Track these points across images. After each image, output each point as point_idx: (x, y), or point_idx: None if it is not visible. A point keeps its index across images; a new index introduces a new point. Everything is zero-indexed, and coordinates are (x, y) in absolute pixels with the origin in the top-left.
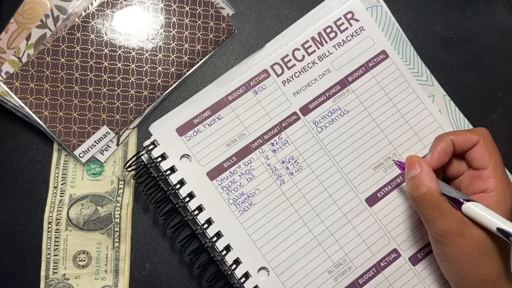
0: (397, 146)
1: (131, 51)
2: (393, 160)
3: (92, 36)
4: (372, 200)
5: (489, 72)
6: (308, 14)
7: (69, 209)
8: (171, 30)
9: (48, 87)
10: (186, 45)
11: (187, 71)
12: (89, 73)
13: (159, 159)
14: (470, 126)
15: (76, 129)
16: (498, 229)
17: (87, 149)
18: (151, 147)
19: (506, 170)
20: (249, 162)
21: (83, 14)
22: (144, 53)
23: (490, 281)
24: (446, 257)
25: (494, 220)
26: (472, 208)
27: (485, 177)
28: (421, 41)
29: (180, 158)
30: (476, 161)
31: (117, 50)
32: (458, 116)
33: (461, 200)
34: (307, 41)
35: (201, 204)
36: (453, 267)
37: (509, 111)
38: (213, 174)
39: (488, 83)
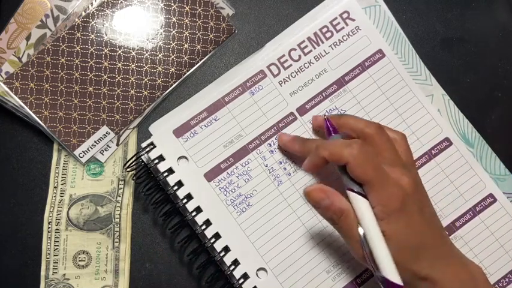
0: None
1: (131, 51)
2: (325, 116)
3: (92, 36)
4: None
5: (489, 72)
6: (308, 14)
7: (69, 209)
8: (171, 30)
9: (48, 87)
10: (186, 45)
11: (187, 71)
12: (89, 73)
13: (157, 160)
14: (470, 126)
15: (76, 129)
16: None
17: (87, 149)
18: (149, 148)
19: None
20: (247, 163)
21: (83, 14)
22: (144, 53)
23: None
24: None
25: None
26: (353, 200)
27: (366, 192)
28: (421, 40)
29: (178, 160)
30: (354, 177)
31: (117, 50)
32: (457, 116)
33: (354, 190)
34: (303, 41)
35: (199, 206)
36: None
37: (509, 111)
38: (210, 175)
39: (488, 83)
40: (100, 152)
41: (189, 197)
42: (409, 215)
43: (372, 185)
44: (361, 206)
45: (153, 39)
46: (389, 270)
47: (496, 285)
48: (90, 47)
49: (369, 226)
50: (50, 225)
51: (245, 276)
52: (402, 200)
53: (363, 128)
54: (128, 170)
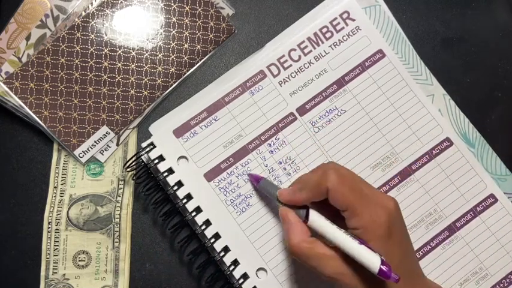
0: (394, 145)
1: (131, 51)
2: (247, 173)
3: (92, 36)
4: None
5: (489, 72)
6: (308, 14)
7: (69, 209)
8: (171, 30)
9: (48, 87)
10: (186, 45)
11: (187, 71)
12: (88, 73)
13: (157, 160)
14: (471, 126)
15: (76, 129)
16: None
17: (87, 149)
18: (149, 148)
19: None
20: (246, 163)
21: (83, 14)
22: (144, 53)
23: None
24: None
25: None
26: (314, 223)
27: (348, 218)
28: (421, 40)
29: (178, 160)
30: (334, 205)
31: (117, 50)
32: (458, 115)
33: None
34: (303, 41)
35: (199, 206)
36: None
37: (509, 111)
38: (210, 175)
39: (488, 83)
40: (100, 152)
41: (189, 197)
42: (392, 241)
43: (353, 210)
44: (319, 218)
45: (153, 39)
46: (372, 259)
47: (497, 286)
48: (90, 47)
49: (333, 231)
50: (49, 225)
51: (245, 276)
52: (388, 224)
53: (319, 179)
54: (128, 170)
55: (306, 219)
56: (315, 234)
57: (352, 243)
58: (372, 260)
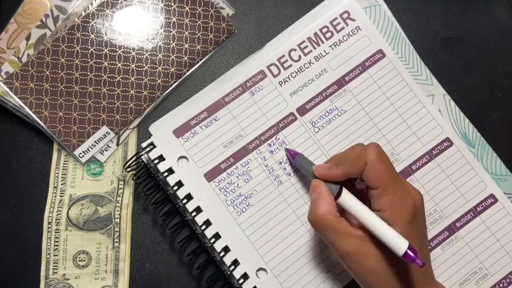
0: (394, 145)
1: (131, 51)
2: (285, 148)
3: (92, 36)
4: None
5: (489, 72)
6: (308, 14)
7: (69, 209)
8: (171, 30)
9: (48, 87)
10: (186, 45)
11: (187, 71)
12: (88, 73)
13: (157, 160)
14: (471, 126)
15: (76, 129)
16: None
17: (87, 149)
18: (149, 148)
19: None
20: (246, 163)
21: (83, 14)
22: (144, 53)
23: None
24: (355, 276)
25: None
26: (345, 200)
27: (377, 197)
28: (421, 40)
29: (178, 160)
30: (367, 182)
31: (117, 50)
32: (458, 115)
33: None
34: (303, 41)
35: (199, 206)
36: (366, 285)
37: (509, 111)
38: (210, 175)
39: (488, 83)
40: (100, 152)
41: (189, 197)
42: (414, 229)
43: (384, 190)
44: (350, 196)
45: (153, 39)
46: (400, 242)
47: (497, 286)
48: (90, 47)
49: (367, 213)
50: (49, 225)
51: (245, 276)
52: (413, 213)
53: (359, 153)
54: (128, 170)
55: (337, 195)
56: (341, 213)
57: (381, 224)
58: (399, 243)
